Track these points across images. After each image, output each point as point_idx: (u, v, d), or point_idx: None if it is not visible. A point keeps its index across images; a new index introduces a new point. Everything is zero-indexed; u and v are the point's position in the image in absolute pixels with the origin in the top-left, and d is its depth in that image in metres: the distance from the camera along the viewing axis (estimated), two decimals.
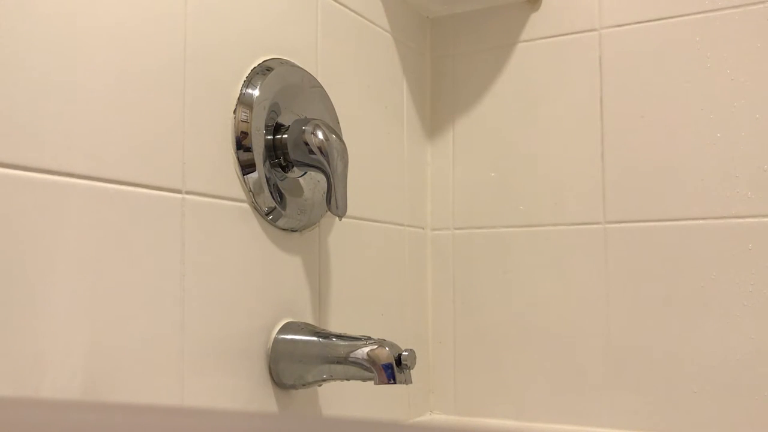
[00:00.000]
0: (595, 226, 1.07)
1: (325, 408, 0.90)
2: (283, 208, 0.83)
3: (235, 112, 0.79)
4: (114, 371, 0.64)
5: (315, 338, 0.82)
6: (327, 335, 0.82)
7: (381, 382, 0.76)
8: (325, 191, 0.84)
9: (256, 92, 0.81)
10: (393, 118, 1.11)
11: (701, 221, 1.00)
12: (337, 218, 0.94)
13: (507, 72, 1.15)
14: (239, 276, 0.79)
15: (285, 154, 0.82)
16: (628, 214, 1.05)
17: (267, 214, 0.82)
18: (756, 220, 0.97)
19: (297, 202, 0.85)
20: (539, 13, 1.13)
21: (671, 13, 1.03)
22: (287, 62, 0.87)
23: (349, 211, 0.97)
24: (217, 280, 0.76)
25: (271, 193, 0.82)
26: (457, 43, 1.19)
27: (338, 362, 0.79)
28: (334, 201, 0.81)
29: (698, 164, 1.01)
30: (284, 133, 0.82)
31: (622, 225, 1.05)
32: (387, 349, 0.77)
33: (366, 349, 0.78)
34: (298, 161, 0.83)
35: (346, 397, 0.93)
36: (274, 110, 0.83)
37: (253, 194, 0.80)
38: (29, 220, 0.58)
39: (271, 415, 0.68)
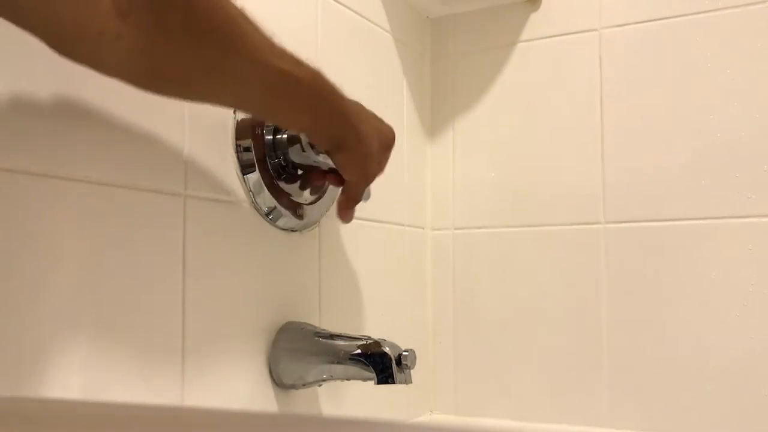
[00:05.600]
0: (595, 226, 1.07)
1: (325, 408, 0.90)
2: (284, 208, 0.83)
3: (235, 112, 0.79)
4: (114, 371, 0.64)
5: (315, 338, 0.82)
6: (327, 335, 0.82)
7: (381, 382, 0.76)
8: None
9: None
10: (393, 118, 1.11)
11: (701, 221, 1.00)
12: (336, 218, 0.94)
13: (507, 72, 1.15)
14: (239, 276, 0.79)
15: (285, 154, 0.82)
16: (628, 214, 1.04)
17: (267, 214, 0.82)
18: (756, 220, 0.97)
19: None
20: (539, 13, 1.13)
21: (671, 13, 1.03)
22: None
23: None
24: (217, 280, 0.76)
25: (271, 193, 0.82)
26: (457, 43, 1.19)
27: (338, 362, 0.79)
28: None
29: (698, 164, 1.01)
30: (284, 133, 0.82)
31: (622, 225, 1.05)
32: (387, 349, 0.77)
33: (366, 349, 0.78)
34: (297, 162, 0.83)
35: (346, 397, 0.93)
36: None
37: (253, 194, 0.80)
38: (30, 223, 0.58)
39: (271, 415, 0.68)
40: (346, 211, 0.81)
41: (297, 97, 0.65)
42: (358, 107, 0.75)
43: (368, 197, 0.83)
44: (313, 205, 0.88)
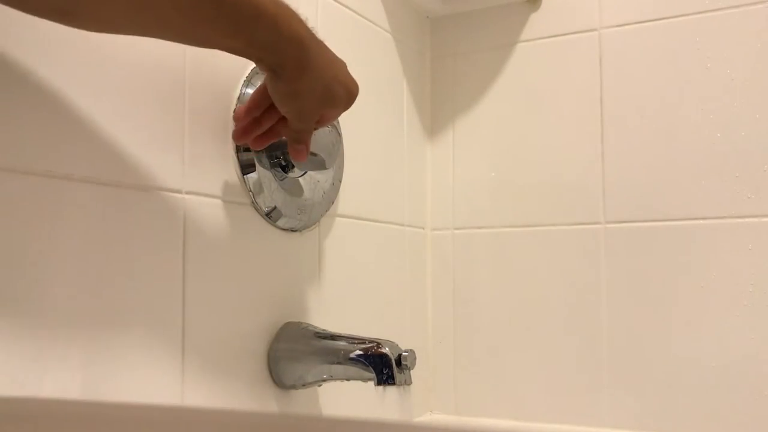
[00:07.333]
0: (595, 226, 1.07)
1: (325, 408, 0.90)
2: (283, 207, 0.83)
3: (235, 111, 0.79)
4: (114, 371, 0.64)
5: (315, 338, 0.82)
6: (327, 335, 0.82)
7: (381, 383, 0.76)
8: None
9: None
10: (393, 118, 1.11)
11: (701, 221, 1.00)
12: (337, 217, 0.94)
13: (507, 72, 1.15)
14: (239, 276, 0.79)
15: (285, 154, 0.82)
16: (628, 214, 1.04)
17: (267, 214, 0.82)
18: (756, 220, 0.97)
19: (297, 202, 0.85)
20: (539, 13, 1.13)
21: (671, 13, 1.03)
22: None
23: (349, 211, 0.97)
24: (217, 280, 0.76)
25: (271, 193, 0.82)
26: (457, 43, 1.19)
27: (338, 362, 0.79)
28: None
29: (698, 164, 1.01)
30: None
31: (622, 225, 1.05)
32: (387, 349, 0.77)
33: (366, 349, 0.78)
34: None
35: (346, 397, 0.93)
36: None
37: (253, 194, 0.80)
38: (30, 223, 0.58)
39: (271, 415, 0.68)
40: (292, 146, 0.75)
41: (222, 18, 0.56)
42: (318, 42, 0.67)
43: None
44: (313, 205, 0.88)
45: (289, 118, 0.71)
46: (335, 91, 0.70)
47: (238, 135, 0.76)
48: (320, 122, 0.74)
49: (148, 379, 0.67)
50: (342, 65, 0.72)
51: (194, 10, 0.54)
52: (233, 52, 0.62)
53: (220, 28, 0.57)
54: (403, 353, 0.77)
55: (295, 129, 0.72)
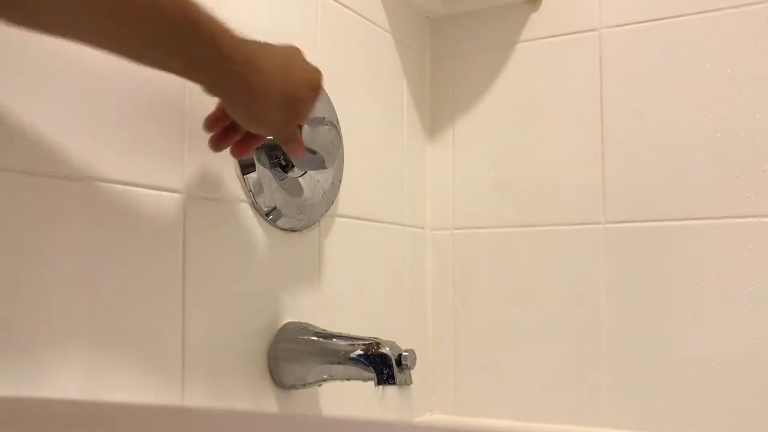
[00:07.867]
0: (595, 226, 1.07)
1: (325, 408, 0.90)
2: (283, 207, 0.83)
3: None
4: (114, 371, 0.64)
5: (315, 338, 0.82)
6: (327, 335, 0.82)
7: (381, 383, 0.76)
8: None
9: None
10: (393, 118, 1.11)
11: (701, 221, 1.00)
12: (337, 217, 0.94)
13: (507, 72, 1.15)
14: (239, 276, 0.79)
15: (285, 154, 0.82)
16: (628, 214, 1.04)
17: (267, 214, 0.82)
18: (756, 220, 0.97)
19: (297, 202, 0.85)
20: (539, 13, 1.13)
21: (671, 13, 1.03)
22: None
23: (349, 211, 0.97)
24: (217, 280, 0.76)
25: (271, 193, 0.82)
26: (457, 43, 1.19)
27: (338, 362, 0.79)
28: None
29: (698, 164, 1.01)
30: None
31: (622, 225, 1.05)
32: (387, 349, 0.77)
33: (366, 349, 0.78)
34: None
35: (346, 397, 0.93)
36: None
37: (253, 194, 0.80)
38: (30, 223, 0.58)
39: (271, 415, 0.68)
40: (285, 147, 0.74)
41: (159, 32, 0.52)
42: (262, 50, 0.63)
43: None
44: (313, 204, 0.88)
45: (267, 134, 0.71)
46: (296, 94, 0.67)
47: (213, 144, 0.71)
48: (299, 119, 0.71)
49: (148, 379, 0.67)
50: (294, 59, 0.68)
51: (127, 13, 0.50)
52: (177, 74, 0.58)
53: (158, 41, 0.53)
54: (403, 353, 0.77)
55: (279, 139, 0.73)
